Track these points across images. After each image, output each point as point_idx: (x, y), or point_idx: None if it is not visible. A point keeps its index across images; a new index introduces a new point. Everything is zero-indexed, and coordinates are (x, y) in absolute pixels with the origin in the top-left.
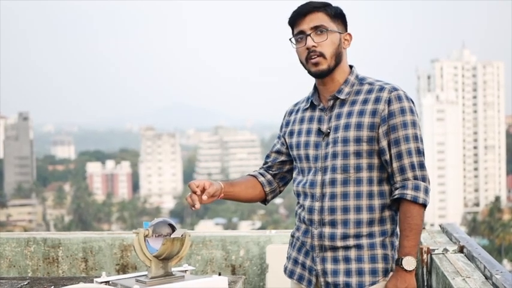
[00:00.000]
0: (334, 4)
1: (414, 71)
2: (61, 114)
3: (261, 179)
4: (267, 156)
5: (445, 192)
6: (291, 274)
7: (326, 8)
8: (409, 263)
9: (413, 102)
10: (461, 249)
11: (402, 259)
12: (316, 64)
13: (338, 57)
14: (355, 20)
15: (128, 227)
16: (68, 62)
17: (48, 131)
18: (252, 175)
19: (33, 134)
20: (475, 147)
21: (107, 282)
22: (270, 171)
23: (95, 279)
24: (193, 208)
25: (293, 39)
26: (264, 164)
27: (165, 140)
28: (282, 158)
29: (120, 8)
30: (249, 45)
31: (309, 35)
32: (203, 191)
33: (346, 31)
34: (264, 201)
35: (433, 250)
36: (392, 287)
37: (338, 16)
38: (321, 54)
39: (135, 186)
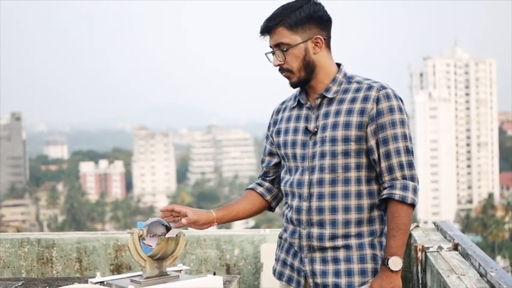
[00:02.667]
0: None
1: (406, 69)
2: (53, 114)
3: (260, 189)
4: (262, 161)
5: (438, 190)
6: (280, 276)
7: (284, 21)
8: (395, 263)
9: (402, 101)
10: (455, 247)
11: (388, 259)
12: (287, 78)
13: (308, 66)
14: (347, 18)
15: (122, 226)
16: (60, 61)
17: (41, 131)
18: (250, 188)
19: (25, 134)
20: (467, 145)
21: (101, 283)
22: (268, 178)
23: (89, 280)
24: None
25: (268, 55)
26: (261, 171)
27: (158, 139)
28: (275, 159)
29: (112, 10)
30: (241, 43)
31: (273, 52)
32: (184, 216)
33: (320, 30)
34: (270, 208)
35: (428, 248)
36: (377, 287)
37: (302, 22)
38: (288, 70)
39: (128, 186)
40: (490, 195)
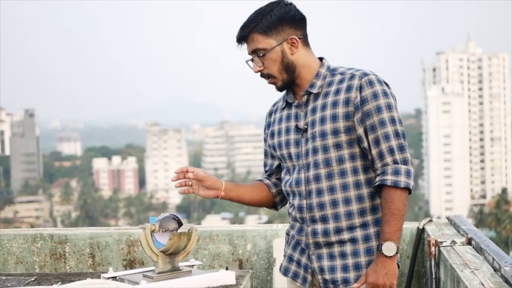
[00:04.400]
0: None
1: (419, 64)
2: (67, 110)
3: (267, 181)
4: (264, 165)
5: (452, 185)
6: (285, 272)
7: (257, 27)
8: (390, 248)
9: (387, 85)
10: (469, 242)
11: (382, 244)
12: (272, 84)
13: (288, 68)
14: (360, 14)
15: (135, 222)
16: (73, 58)
17: (54, 128)
18: (258, 180)
19: (39, 131)
20: (481, 139)
21: (114, 278)
22: (273, 178)
23: (102, 275)
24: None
25: (248, 63)
26: (264, 174)
27: (170, 136)
28: (277, 161)
29: (124, 5)
30: None
31: (252, 60)
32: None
33: (294, 30)
34: (274, 204)
35: (441, 242)
36: (372, 273)
37: (274, 25)
38: (270, 76)
39: (141, 182)
40: (504, 190)
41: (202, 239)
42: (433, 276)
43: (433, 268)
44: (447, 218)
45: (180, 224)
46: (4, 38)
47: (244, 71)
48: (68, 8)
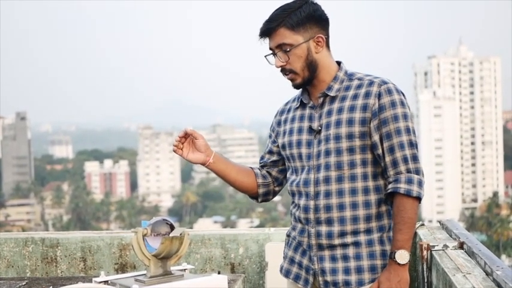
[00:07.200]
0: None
1: (411, 68)
2: (58, 113)
3: (256, 170)
4: (261, 158)
5: (443, 188)
6: (286, 273)
7: (285, 22)
8: (402, 256)
9: (403, 95)
10: (461, 246)
11: (395, 252)
12: (291, 80)
13: (311, 66)
14: (352, 17)
15: (127, 225)
16: (65, 61)
17: (46, 131)
18: (249, 167)
19: (30, 134)
20: (472, 143)
21: (105, 282)
22: (264, 170)
23: (93, 279)
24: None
25: (268, 57)
26: (258, 164)
27: (162, 139)
28: (274, 157)
29: (117, 9)
30: (246, 42)
31: (275, 54)
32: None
33: (320, 29)
34: (256, 195)
35: (433, 246)
36: (385, 281)
37: (303, 22)
38: (291, 71)
39: (133, 185)
40: (495, 194)
41: (194, 242)
42: (425, 281)
43: (425, 272)
44: (439, 221)
45: (172, 228)
46: None
47: (237, 75)
48: (60, 12)
